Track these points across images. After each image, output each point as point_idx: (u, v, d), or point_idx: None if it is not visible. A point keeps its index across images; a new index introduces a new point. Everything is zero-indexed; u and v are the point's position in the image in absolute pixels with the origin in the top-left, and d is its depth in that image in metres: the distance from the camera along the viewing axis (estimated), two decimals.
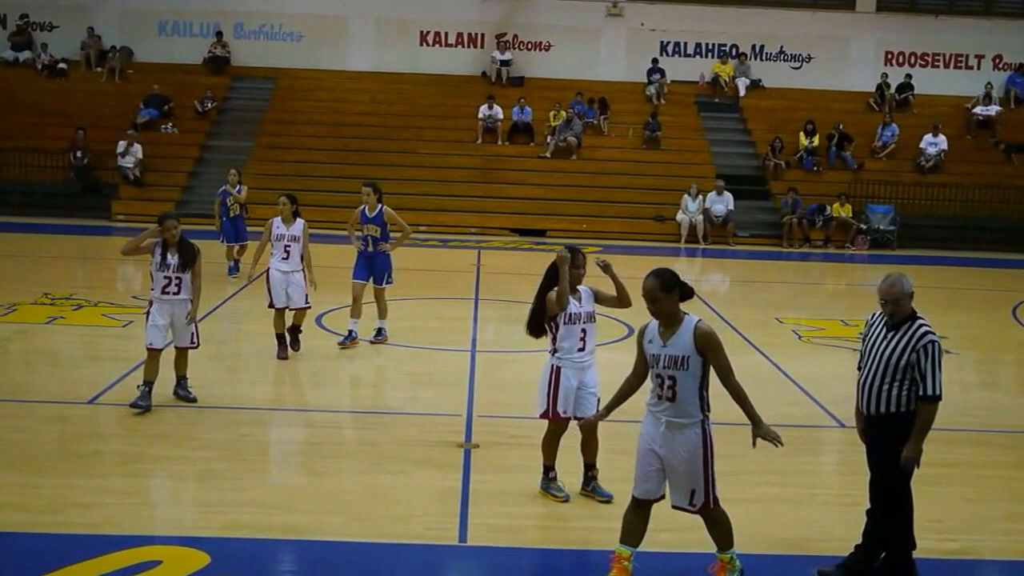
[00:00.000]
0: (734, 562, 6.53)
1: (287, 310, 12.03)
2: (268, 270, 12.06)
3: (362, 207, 12.88)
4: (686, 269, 23.88)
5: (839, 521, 7.26)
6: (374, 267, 12.76)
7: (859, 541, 6.76)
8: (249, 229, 17.83)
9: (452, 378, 11.55)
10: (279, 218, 12.03)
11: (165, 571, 6.42)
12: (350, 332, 12.65)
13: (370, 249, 12.72)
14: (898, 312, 6.56)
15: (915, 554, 6.67)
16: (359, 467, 8.85)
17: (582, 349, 7.78)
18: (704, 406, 6.33)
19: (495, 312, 15.87)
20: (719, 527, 6.51)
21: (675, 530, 7.41)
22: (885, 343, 6.54)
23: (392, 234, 12.92)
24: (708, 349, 6.19)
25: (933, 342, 6.45)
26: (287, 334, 12.04)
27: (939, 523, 7.63)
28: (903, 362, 6.44)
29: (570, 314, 7.72)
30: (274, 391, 10.97)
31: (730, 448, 9.39)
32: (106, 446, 8.86)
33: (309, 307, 12.28)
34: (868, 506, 6.77)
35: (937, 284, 21.61)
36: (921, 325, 6.51)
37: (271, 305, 11.99)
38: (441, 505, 7.74)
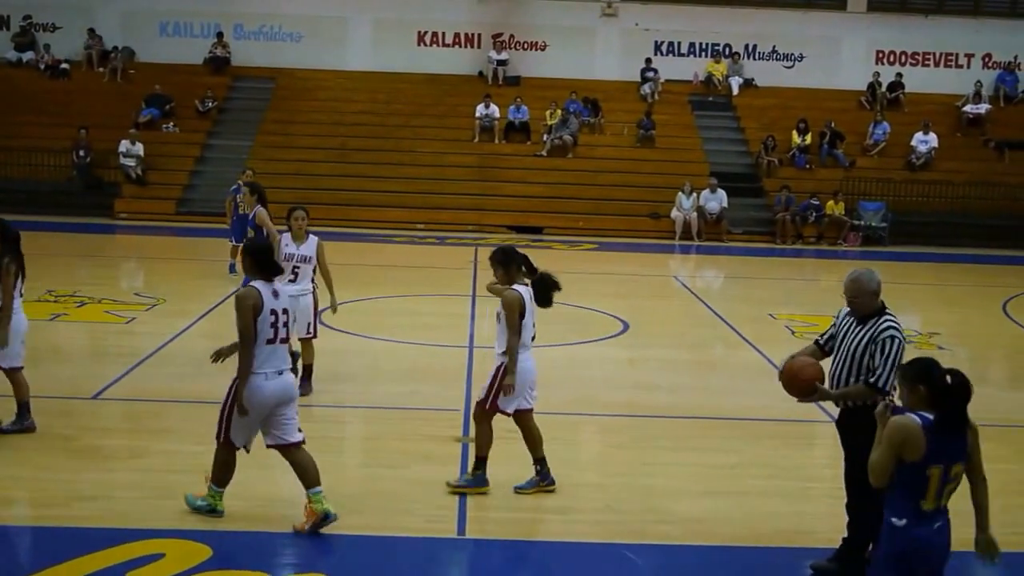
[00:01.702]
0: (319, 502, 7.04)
1: (300, 339, 10.53)
2: None
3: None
4: (680, 265, 24.13)
5: (832, 514, 7.27)
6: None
7: (846, 534, 6.77)
8: None
9: (450, 373, 11.59)
10: (288, 235, 10.61)
11: (168, 564, 6.50)
12: None
13: None
14: (860, 308, 6.52)
15: None
16: (359, 461, 9.01)
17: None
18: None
19: (492, 308, 15.89)
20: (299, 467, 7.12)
21: (673, 522, 7.59)
22: (852, 337, 6.52)
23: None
24: None
25: (893, 337, 6.37)
26: (301, 369, 10.55)
27: None
28: (866, 356, 6.42)
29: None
30: None
31: (726, 443, 9.54)
32: (110, 441, 8.92)
33: (311, 336, 10.64)
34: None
35: (928, 280, 21.89)
36: (886, 321, 6.44)
37: None
38: (440, 498, 7.84)
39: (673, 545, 7.25)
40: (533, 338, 7.95)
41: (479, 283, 18.08)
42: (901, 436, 4.99)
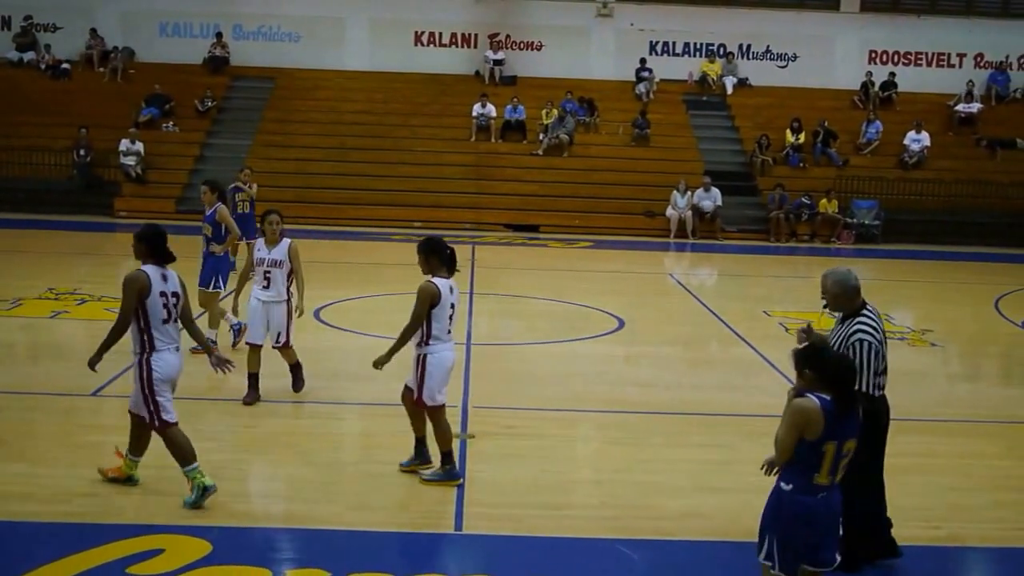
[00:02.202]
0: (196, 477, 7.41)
1: (274, 347, 10.50)
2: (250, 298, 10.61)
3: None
4: (675, 263, 24.25)
5: None
6: (204, 269, 11.87)
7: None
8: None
9: None
10: (262, 240, 10.42)
11: (167, 559, 6.55)
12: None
13: (203, 249, 11.94)
14: (835, 306, 6.58)
15: (901, 541, 6.85)
16: (357, 457, 9.08)
17: None
18: (142, 346, 7.44)
19: (489, 306, 16.08)
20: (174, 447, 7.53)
21: (668, 518, 7.66)
22: (834, 335, 6.58)
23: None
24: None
25: (861, 340, 6.35)
26: (260, 374, 10.34)
27: (925, 511, 7.79)
28: None
29: None
30: (273, 384, 10.79)
31: (720, 439, 9.60)
32: (110, 437, 8.82)
33: (281, 345, 10.50)
34: None
35: (921, 278, 22.05)
36: (859, 322, 6.43)
37: (248, 340, 10.53)
38: (437, 494, 7.93)
39: (668, 541, 7.34)
40: (449, 332, 8.00)
41: (476, 281, 18.25)
42: (804, 418, 5.27)
